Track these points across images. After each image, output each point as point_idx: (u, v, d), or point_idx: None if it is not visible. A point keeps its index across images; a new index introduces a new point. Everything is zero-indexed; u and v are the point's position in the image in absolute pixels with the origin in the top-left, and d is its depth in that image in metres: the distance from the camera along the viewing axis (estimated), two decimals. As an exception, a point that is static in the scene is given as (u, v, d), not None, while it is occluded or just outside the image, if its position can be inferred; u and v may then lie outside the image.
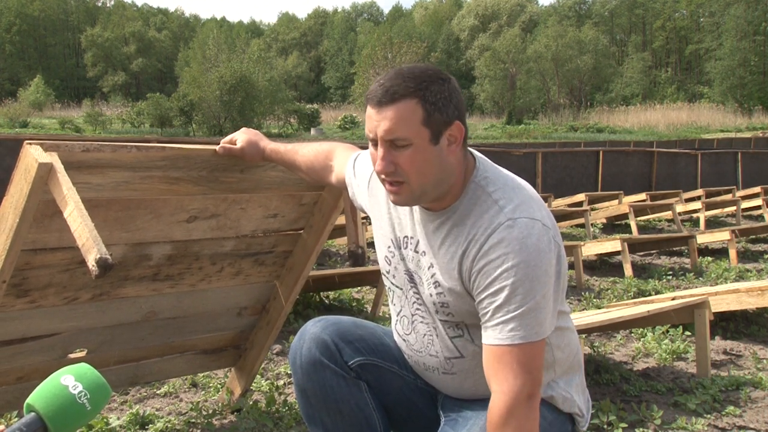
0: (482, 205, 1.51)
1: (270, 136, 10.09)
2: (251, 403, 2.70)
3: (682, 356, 3.56)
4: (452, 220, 1.55)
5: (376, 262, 2.00)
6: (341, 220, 3.35)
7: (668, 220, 10.25)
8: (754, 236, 8.33)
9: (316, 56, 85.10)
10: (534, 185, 12.74)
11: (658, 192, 12.68)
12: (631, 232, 8.70)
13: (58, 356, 2.14)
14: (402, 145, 1.46)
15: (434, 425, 1.73)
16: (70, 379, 1.02)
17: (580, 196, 11.56)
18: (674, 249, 7.36)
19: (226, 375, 3.02)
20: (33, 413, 1.00)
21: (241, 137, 1.97)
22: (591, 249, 6.16)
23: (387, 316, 4.28)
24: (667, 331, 3.92)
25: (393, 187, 1.51)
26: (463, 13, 78.10)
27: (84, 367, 1.05)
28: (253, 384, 2.92)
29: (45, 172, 1.59)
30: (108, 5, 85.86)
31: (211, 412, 2.64)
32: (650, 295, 5.02)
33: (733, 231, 6.77)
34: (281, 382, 3.07)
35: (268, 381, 3.05)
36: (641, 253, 7.19)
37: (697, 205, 10.43)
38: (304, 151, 1.95)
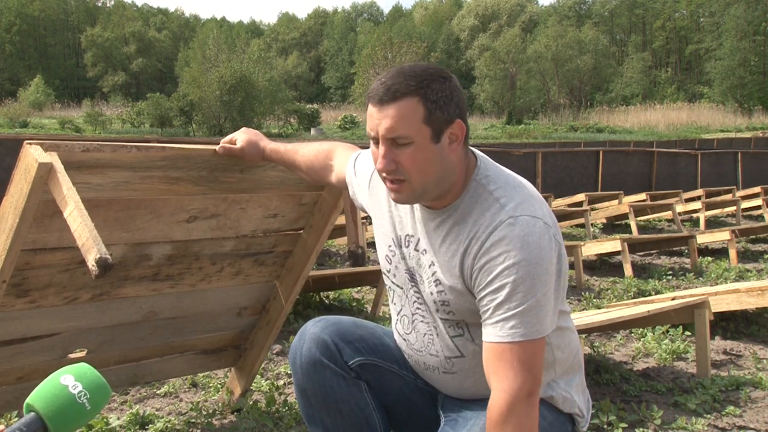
0: (483, 203, 1.51)
1: (270, 136, 10.09)
2: (251, 403, 2.70)
3: (682, 356, 3.56)
4: (453, 218, 1.55)
5: (376, 262, 2.00)
6: (341, 220, 3.34)
7: (668, 220, 10.25)
8: (754, 236, 8.33)
9: (316, 56, 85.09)
10: (534, 185, 12.67)
11: (658, 192, 12.68)
12: (631, 232, 8.70)
13: (58, 356, 2.14)
14: (403, 144, 1.46)
15: (434, 425, 1.73)
16: (70, 378, 1.02)
17: (580, 196, 11.57)
18: (674, 249, 7.36)
19: (226, 375, 3.02)
20: (33, 413, 1.00)
21: (241, 137, 1.97)
22: (591, 249, 6.16)
23: (387, 316, 4.27)
24: (667, 331, 3.92)
25: (394, 186, 1.51)
26: (463, 13, 78.08)
27: (84, 366, 1.05)
28: (253, 384, 2.92)
29: (45, 172, 1.59)
30: (108, 5, 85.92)
31: (211, 412, 2.63)
32: (650, 295, 5.02)
33: (733, 231, 6.77)
34: (281, 382, 3.07)
35: (268, 381, 3.05)
36: (641, 253, 7.19)
37: (697, 205, 10.43)
38: (304, 151, 1.95)
